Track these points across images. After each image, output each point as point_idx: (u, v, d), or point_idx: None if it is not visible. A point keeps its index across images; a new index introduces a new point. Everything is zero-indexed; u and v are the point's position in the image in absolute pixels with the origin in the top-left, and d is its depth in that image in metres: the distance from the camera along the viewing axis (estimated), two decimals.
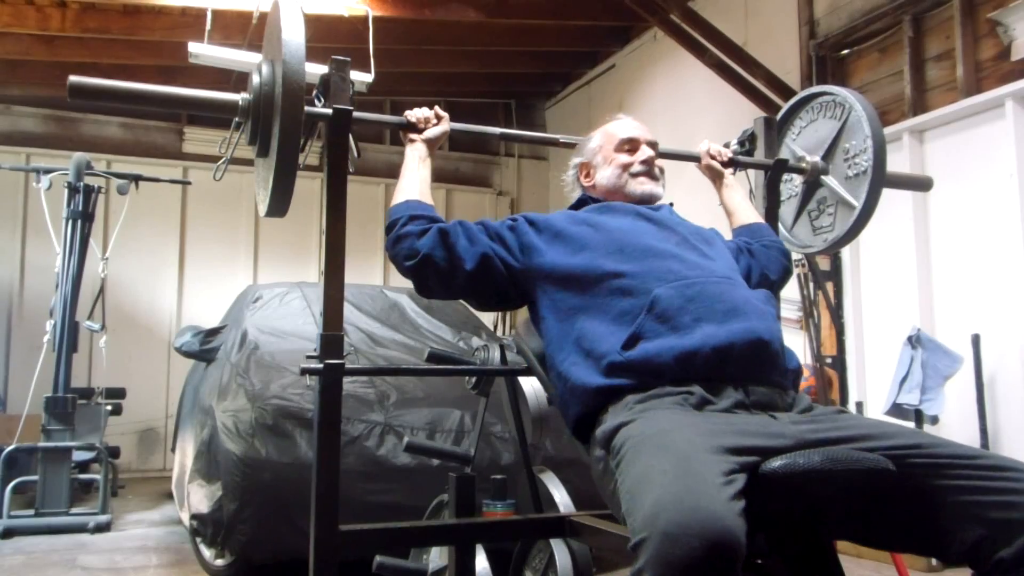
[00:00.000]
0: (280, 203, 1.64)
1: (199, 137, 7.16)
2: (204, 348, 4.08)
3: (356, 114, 1.75)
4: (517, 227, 1.71)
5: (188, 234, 7.12)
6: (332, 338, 1.68)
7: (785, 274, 1.96)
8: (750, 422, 1.33)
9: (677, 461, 1.13)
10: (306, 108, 1.60)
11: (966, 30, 3.95)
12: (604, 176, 1.86)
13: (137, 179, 5.25)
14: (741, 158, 2.15)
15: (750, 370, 1.44)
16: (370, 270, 7.55)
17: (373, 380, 3.41)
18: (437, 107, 1.87)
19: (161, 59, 6.08)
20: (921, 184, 2.48)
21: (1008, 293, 3.73)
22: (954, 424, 3.70)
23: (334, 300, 1.69)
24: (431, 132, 1.83)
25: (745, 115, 4.19)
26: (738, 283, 1.63)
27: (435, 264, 1.63)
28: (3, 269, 6.53)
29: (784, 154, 2.27)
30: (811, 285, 4.57)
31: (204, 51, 4.56)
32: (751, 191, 2.25)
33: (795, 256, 4.65)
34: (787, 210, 2.31)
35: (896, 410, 3.70)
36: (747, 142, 2.23)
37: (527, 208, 8.29)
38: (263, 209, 1.71)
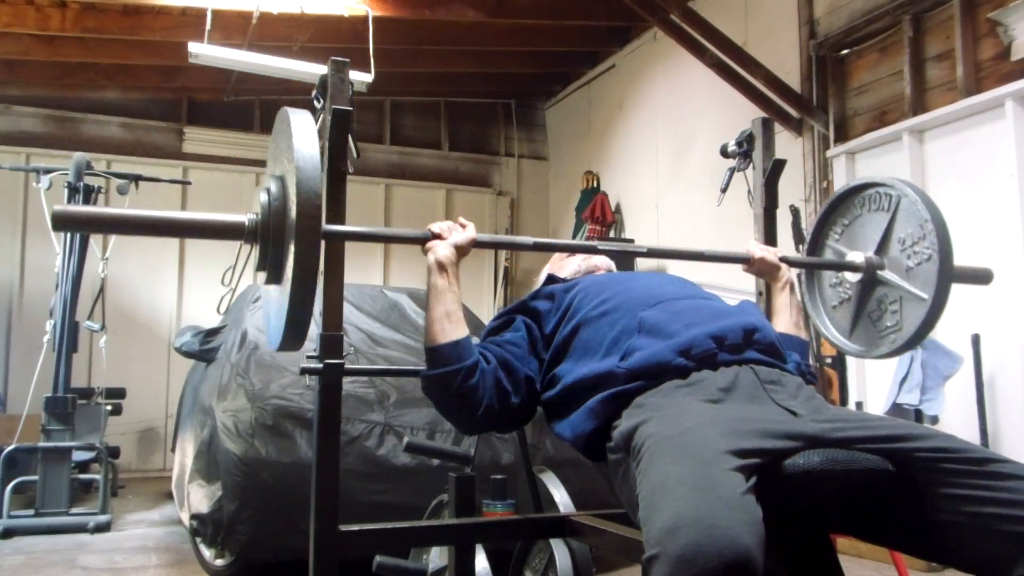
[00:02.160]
0: (295, 338, 1.43)
1: (199, 137, 7.16)
2: (204, 348, 4.08)
3: (371, 229, 1.75)
4: (518, 323, 1.74)
5: None
6: (332, 338, 1.67)
7: None
8: (772, 418, 1.31)
9: (696, 468, 1.12)
10: (324, 226, 1.45)
11: (966, 30, 3.95)
12: (569, 268, 2.00)
13: (137, 179, 5.25)
14: (792, 256, 2.01)
15: (748, 348, 1.50)
16: (370, 270, 7.55)
17: (373, 380, 3.41)
18: (461, 218, 1.74)
19: (161, 59, 6.08)
20: (982, 277, 2.18)
21: (1008, 293, 3.72)
22: (954, 424, 3.70)
23: (334, 300, 1.69)
24: (458, 238, 1.66)
25: (745, 115, 4.19)
26: (719, 300, 1.70)
27: (491, 412, 1.62)
28: (3, 269, 6.53)
29: (828, 256, 2.09)
30: None
31: (204, 51, 4.57)
32: (748, 192, 2.24)
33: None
34: (840, 318, 2.09)
35: (896, 410, 3.70)
36: (745, 143, 2.22)
37: (527, 207, 8.29)
38: (275, 343, 1.48)
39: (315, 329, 1.66)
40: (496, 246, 1.70)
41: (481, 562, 2.13)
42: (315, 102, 1.75)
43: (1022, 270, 3.65)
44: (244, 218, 1.47)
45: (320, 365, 1.65)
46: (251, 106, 7.31)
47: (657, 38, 6.19)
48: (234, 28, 5.23)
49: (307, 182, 1.36)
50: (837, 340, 2.09)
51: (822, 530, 1.44)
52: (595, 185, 7.10)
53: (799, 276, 2.13)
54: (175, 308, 6.99)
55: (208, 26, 4.64)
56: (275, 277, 1.49)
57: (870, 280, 1.97)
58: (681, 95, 6.05)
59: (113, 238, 5.58)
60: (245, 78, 5.85)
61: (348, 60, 1.74)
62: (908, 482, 1.24)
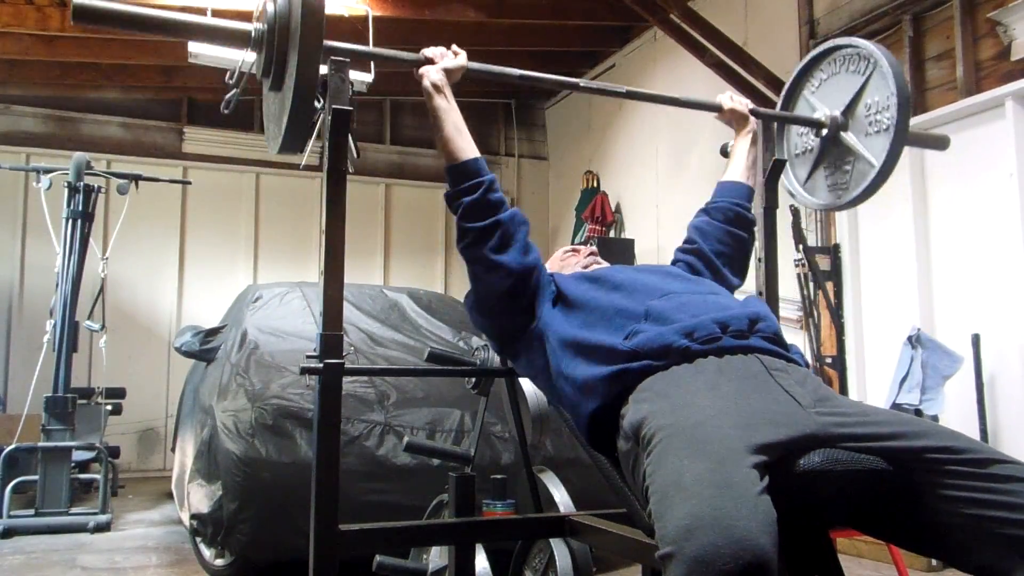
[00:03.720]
0: (295, 138, 1.59)
1: (199, 137, 7.16)
2: (204, 348, 4.08)
3: (370, 49, 1.78)
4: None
5: (188, 234, 7.12)
6: (332, 338, 1.67)
7: (737, 242, 1.98)
8: (777, 409, 1.29)
9: (712, 465, 1.12)
10: (324, 41, 1.56)
11: (966, 30, 3.95)
12: (571, 268, 2.01)
13: (137, 179, 5.25)
14: (761, 109, 2.15)
15: (752, 335, 1.50)
16: (370, 270, 7.55)
17: (373, 380, 3.41)
18: (454, 45, 1.83)
19: (161, 59, 6.08)
20: (938, 142, 2.35)
21: (1008, 293, 3.73)
22: (954, 424, 3.70)
23: (334, 300, 1.68)
24: (449, 62, 1.76)
25: None
26: (726, 295, 1.72)
27: (504, 233, 1.66)
28: (3, 269, 6.52)
29: (801, 107, 2.23)
30: (811, 285, 4.57)
31: (204, 51, 4.56)
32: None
33: (797, 255, 4.62)
34: (801, 164, 2.25)
35: (896, 410, 3.70)
36: None
37: (527, 207, 8.28)
38: (275, 145, 1.65)
39: (315, 329, 1.66)
40: (486, 74, 1.78)
41: (481, 562, 2.13)
42: (315, 102, 1.75)
43: (1022, 270, 3.65)
44: (251, 27, 1.60)
45: (320, 365, 1.65)
46: (251, 106, 7.31)
47: (657, 38, 6.19)
48: None
49: None
50: (793, 186, 2.25)
51: (822, 530, 1.44)
52: (595, 185, 7.10)
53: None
54: (175, 308, 6.98)
55: None
56: (277, 84, 1.59)
57: (833, 138, 2.12)
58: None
59: (113, 237, 5.59)
60: (245, 77, 5.84)
61: (348, 60, 1.74)
62: (909, 482, 1.23)
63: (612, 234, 6.72)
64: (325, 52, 1.62)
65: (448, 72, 1.75)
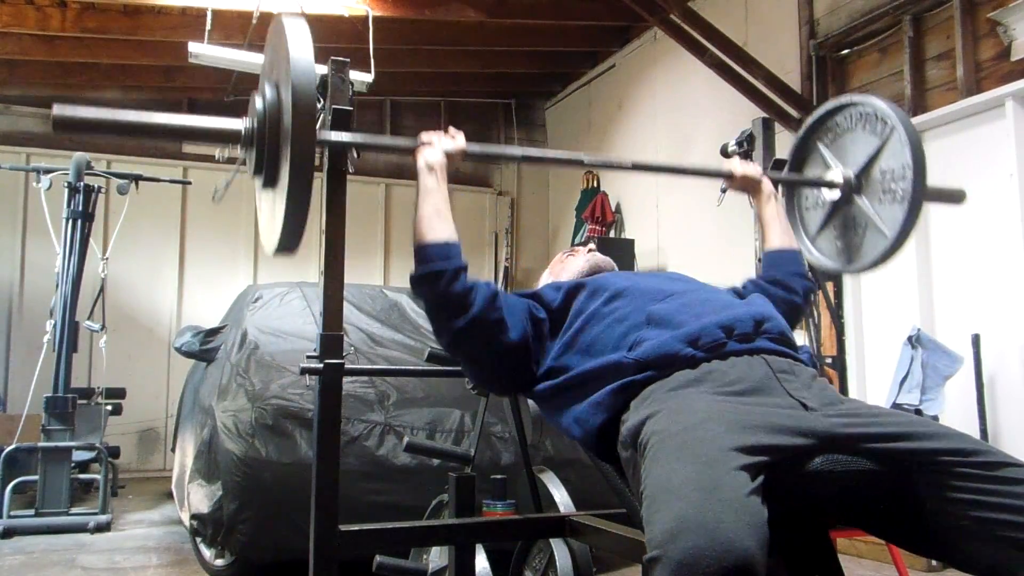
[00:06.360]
0: (292, 239, 1.50)
1: None
2: (204, 348, 4.08)
3: (365, 138, 1.71)
4: (525, 303, 1.73)
5: (188, 234, 7.12)
6: (332, 338, 1.67)
7: (792, 311, 1.86)
8: (781, 412, 1.28)
9: (700, 468, 1.11)
10: (319, 133, 1.48)
11: (966, 30, 3.95)
12: (571, 270, 2.00)
13: (137, 179, 5.25)
14: (771, 173, 2.06)
15: (758, 337, 1.47)
16: (370, 270, 7.55)
17: (373, 380, 3.41)
18: (451, 127, 1.77)
19: (161, 59, 6.08)
20: (954, 197, 2.25)
21: (1008, 293, 3.73)
22: (954, 424, 3.66)
23: (334, 300, 1.69)
24: (448, 145, 1.68)
25: (745, 115, 4.19)
26: (728, 293, 1.70)
27: (483, 327, 1.56)
28: (3, 269, 6.53)
29: (814, 160, 2.14)
30: None
31: (204, 51, 4.57)
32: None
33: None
34: (812, 219, 2.17)
35: (896, 410, 3.69)
36: (745, 143, 2.21)
37: (527, 207, 8.30)
38: (272, 246, 1.53)
39: (315, 329, 1.66)
40: (486, 157, 1.74)
41: (481, 562, 2.13)
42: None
43: (1022, 270, 3.65)
44: (240, 124, 1.52)
45: (320, 365, 1.65)
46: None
47: (657, 38, 6.19)
48: (234, 28, 5.23)
49: (302, 87, 1.39)
50: (802, 240, 2.18)
51: (822, 530, 1.44)
52: (595, 185, 7.10)
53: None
54: (175, 308, 6.98)
55: (208, 26, 4.64)
56: (271, 180, 1.51)
57: (846, 199, 2.04)
58: (681, 95, 6.05)
59: (113, 237, 5.59)
60: (245, 78, 5.85)
61: (348, 60, 1.74)
62: (911, 483, 1.22)
63: (612, 234, 6.71)
64: (321, 144, 1.55)
65: (448, 155, 1.67)
